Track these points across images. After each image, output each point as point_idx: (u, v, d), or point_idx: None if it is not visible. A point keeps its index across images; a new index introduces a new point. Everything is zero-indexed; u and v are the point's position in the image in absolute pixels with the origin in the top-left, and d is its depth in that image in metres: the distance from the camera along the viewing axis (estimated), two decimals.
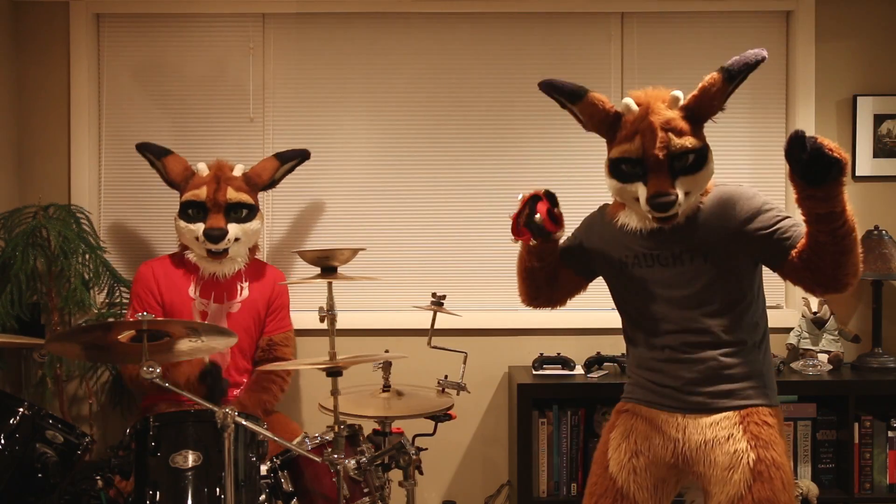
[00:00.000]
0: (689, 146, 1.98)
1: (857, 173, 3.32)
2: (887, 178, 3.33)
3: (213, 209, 2.93)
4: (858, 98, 3.33)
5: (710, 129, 2.08)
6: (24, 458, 2.29)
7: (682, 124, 1.99)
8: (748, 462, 1.97)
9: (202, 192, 2.94)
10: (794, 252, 1.94)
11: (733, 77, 1.93)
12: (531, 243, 2.22)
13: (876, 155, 3.34)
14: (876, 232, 3.18)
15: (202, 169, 3.01)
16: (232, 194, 2.96)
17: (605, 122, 2.08)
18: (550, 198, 2.13)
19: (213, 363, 2.71)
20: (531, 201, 2.13)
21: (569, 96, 2.08)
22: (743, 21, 3.37)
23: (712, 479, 2.01)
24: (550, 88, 2.09)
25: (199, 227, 2.92)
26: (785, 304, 3.41)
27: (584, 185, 3.34)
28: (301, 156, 3.17)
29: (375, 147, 3.41)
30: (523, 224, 2.14)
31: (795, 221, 1.98)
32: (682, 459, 2.06)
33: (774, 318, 3.30)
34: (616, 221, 2.14)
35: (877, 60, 3.35)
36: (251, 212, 3.00)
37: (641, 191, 2.00)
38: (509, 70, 3.40)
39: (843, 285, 1.92)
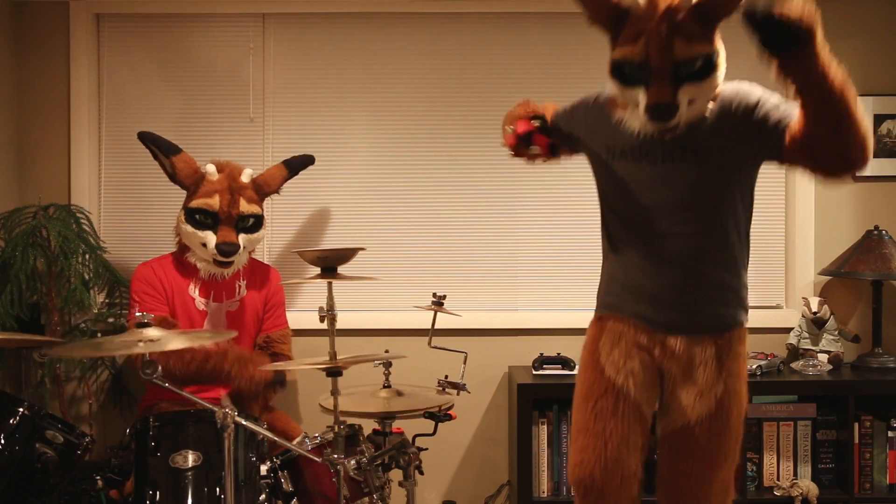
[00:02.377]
0: (697, 54, 1.81)
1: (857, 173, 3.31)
2: (887, 178, 3.33)
3: (226, 221, 2.91)
4: (858, 98, 3.32)
5: None
6: (24, 458, 2.29)
7: (692, 27, 1.79)
8: (716, 394, 2.00)
9: (215, 203, 2.90)
10: (790, 136, 1.84)
11: None
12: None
13: (876, 155, 3.33)
14: (876, 232, 3.18)
15: (211, 171, 2.96)
16: (245, 207, 2.94)
17: (611, 18, 1.87)
18: (544, 127, 2.12)
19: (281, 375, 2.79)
20: (526, 138, 2.14)
21: None
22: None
23: (677, 397, 2.03)
24: None
25: (208, 236, 2.89)
26: (785, 304, 3.41)
27: (584, 185, 3.34)
28: (306, 162, 3.17)
29: (376, 147, 3.41)
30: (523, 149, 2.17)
31: (789, 108, 1.88)
32: (662, 371, 2.06)
33: (774, 318, 3.34)
34: (614, 117, 2.00)
35: (877, 60, 3.35)
36: (258, 221, 3.00)
37: (642, 97, 1.85)
38: (509, 70, 3.40)
39: (848, 160, 1.81)
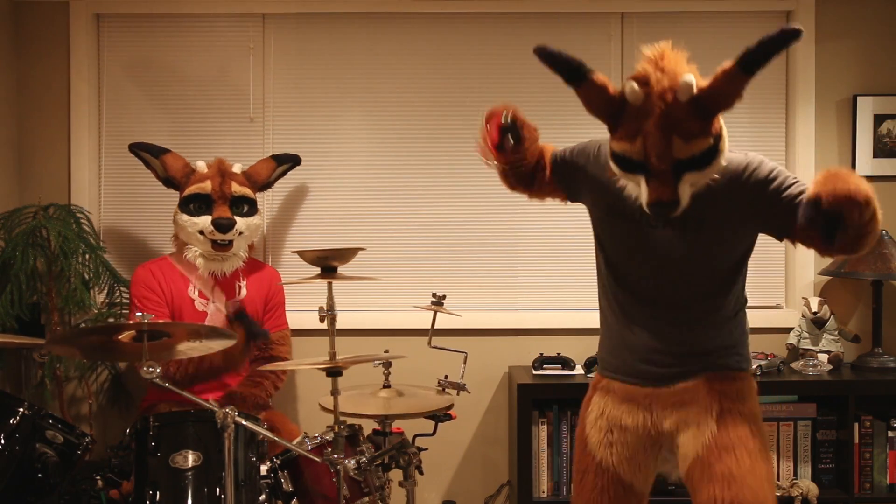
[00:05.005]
0: (697, 152, 1.75)
1: (857, 173, 3.31)
2: (887, 178, 3.33)
3: (219, 201, 2.95)
4: (858, 98, 3.33)
5: None
6: (24, 458, 2.29)
7: (691, 125, 1.73)
8: (713, 416, 1.93)
9: (207, 185, 2.96)
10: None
11: (751, 70, 1.65)
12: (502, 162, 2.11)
13: (876, 155, 3.34)
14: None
15: (201, 167, 3.02)
16: (237, 188, 2.99)
17: (608, 110, 1.80)
18: (513, 128, 2.02)
19: (235, 304, 2.75)
20: (504, 132, 2.03)
21: (566, 76, 1.78)
22: (743, 21, 3.37)
23: (680, 436, 1.98)
24: (546, 59, 1.78)
25: (204, 220, 2.92)
26: (785, 304, 3.41)
27: None
28: (293, 161, 3.22)
29: (375, 147, 3.41)
30: (496, 148, 2.06)
31: (804, 186, 1.83)
32: (654, 429, 2.02)
33: (774, 318, 3.34)
34: (616, 179, 1.93)
35: (877, 60, 3.35)
36: (252, 207, 3.04)
37: (643, 187, 1.81)
38: (509, 70, 3.40)
39: (856, 253, 1.81)
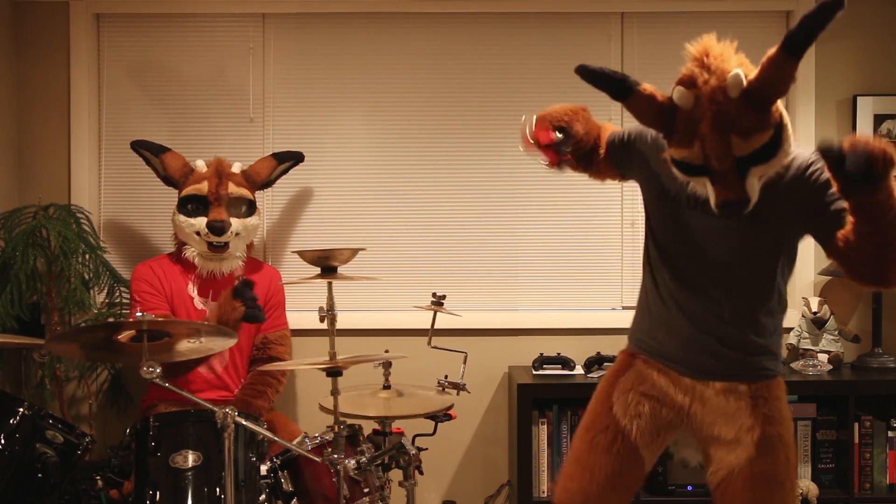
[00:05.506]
0: (758, 146, 1.69)
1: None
2: None
3: (215, 203, 2.96)
4: (858, 98, 3.33)
5: None
6: (24, 458, 2.29)
7: (747, 121, 1.66)
8: (753, 439, 1.94)
9: (203, 187, 2.96)
10: (839, 234, 1.78)
11: (798, 51, 1.59)
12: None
13: None
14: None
15: (200, 166, 3.03)
16: (233, 189, 2.99)
17: (659, 119, 1.76)
18: (561, 143, 2.01)
19: (246, 280, 2.67)
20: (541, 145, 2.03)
21: (612, 92, 1.76)
22: (743, 21, 3.37)
23: (715, 445, 1.99)
24: (589, 77, 1.75)
25: (200, 221, 2.93)
26: None
27: (585, 184, 3.34)
28: (296, 158, 3.21)
29: (375, 147, 3.41)
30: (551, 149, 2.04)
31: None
32: (687, 421, 2.03)
33: None
34: (669, 170, 1.85)
35: (877, 60, 3.35)
36: (250, 207, 3.04)
37: (710, 188, 1.75)
38: (509, 70, 3.40)
39: (882, 278, 1.76)
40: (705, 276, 1.98)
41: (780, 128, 1.72)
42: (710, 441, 2.01)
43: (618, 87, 1.75)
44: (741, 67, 1.66)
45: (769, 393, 1.99)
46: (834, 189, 1.73)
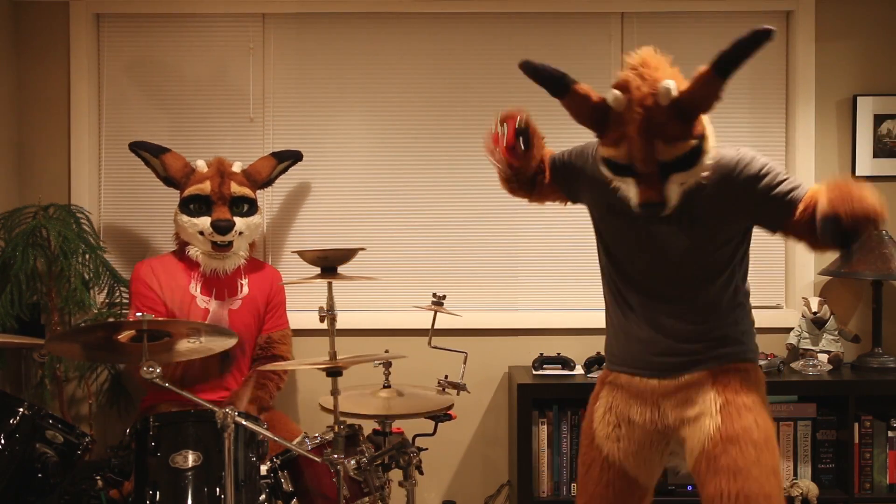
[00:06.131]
0: (681, 154, 1.82)
1: (857, 173, 3.32)
2: (887, 178, 3.33)
3: (218, 202, 2.97)
4: (858, 98, 3.33)
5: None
6: (24, 458, 2.29)
7: (673, 129, 1.79)
8: (717, 407, 1.94)
9: (206, 186, 2.97)
10: (797, 213, 1.86)
11: (726, 73, 1.72)
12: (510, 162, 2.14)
13: (876, 155, 3.34)
14: (876, 232, 3.17)
15: (201, 166, 3.03)
16: (236, 188, 3.00)
17: (593, 118, 1.89)
18: (525, 133, 2.08)
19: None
20: (518, 135, 2.08)
21: (550, 88, 1.91)
22: (743, 21, 3.36)
23: (685, 429, 2.00)
24: (530, 73, 1.93)
25: (204, 221, 2.94)
26: (785, 304, 3.41)
27: None
28: (295, 157, 3.22)
29: (375, 147, 3.41)
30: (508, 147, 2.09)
31: (797, 183, 1.90)
32: (661, 424, 2.04)
33: (774, 318, 3.34)
34: (611, 182, 1.96)
35: (877, 60, 3.35)
36: (252, 206, 3.05)
37: (633, 189, 1.88)
38: (509, 70, 3.38)
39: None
40: (659, 280, 2.03)
41: (702, 139, 1.84)
42: (682, 429, 2.01)
43: (556, 84, 1.91)
44: (674, 80, 1.79)
45: (734, 370, 1.99)
46: (768, 179, 1.88)
